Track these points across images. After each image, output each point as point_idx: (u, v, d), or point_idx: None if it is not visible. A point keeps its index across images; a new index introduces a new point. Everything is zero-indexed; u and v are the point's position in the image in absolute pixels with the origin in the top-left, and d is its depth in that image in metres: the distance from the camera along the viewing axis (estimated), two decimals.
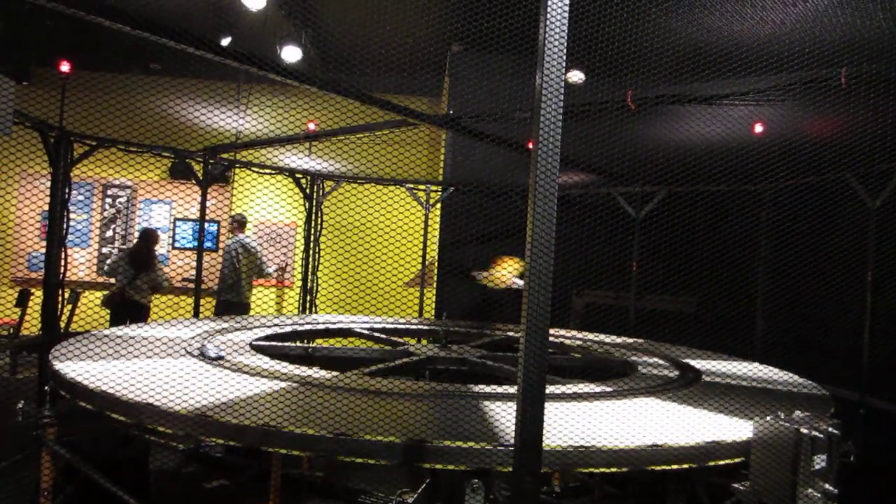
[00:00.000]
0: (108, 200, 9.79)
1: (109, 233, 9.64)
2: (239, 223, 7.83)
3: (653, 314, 6.66)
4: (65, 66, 7.29)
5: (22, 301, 7.91)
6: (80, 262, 9.48)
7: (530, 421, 1.95)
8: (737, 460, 2.46)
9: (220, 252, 7.86)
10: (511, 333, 5.24)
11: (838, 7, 3.75)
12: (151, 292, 7.17)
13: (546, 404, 2.00)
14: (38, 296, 5.46)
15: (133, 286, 6.91)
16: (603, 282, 6.75)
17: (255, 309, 9.03)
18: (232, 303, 7.52)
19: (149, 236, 7.27)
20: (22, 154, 4.88)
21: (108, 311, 7.01)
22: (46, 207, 5.44)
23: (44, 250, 5.50)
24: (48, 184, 5.45)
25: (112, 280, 7.18)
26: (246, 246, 7.63)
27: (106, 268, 7.29)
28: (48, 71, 8.32)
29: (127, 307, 6.90)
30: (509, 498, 1.99)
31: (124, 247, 9.03)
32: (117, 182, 9.73)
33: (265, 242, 9.91)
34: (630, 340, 5.36)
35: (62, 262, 5.43)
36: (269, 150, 8.88)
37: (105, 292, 7.20)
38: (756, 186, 5.98)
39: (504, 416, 2.52)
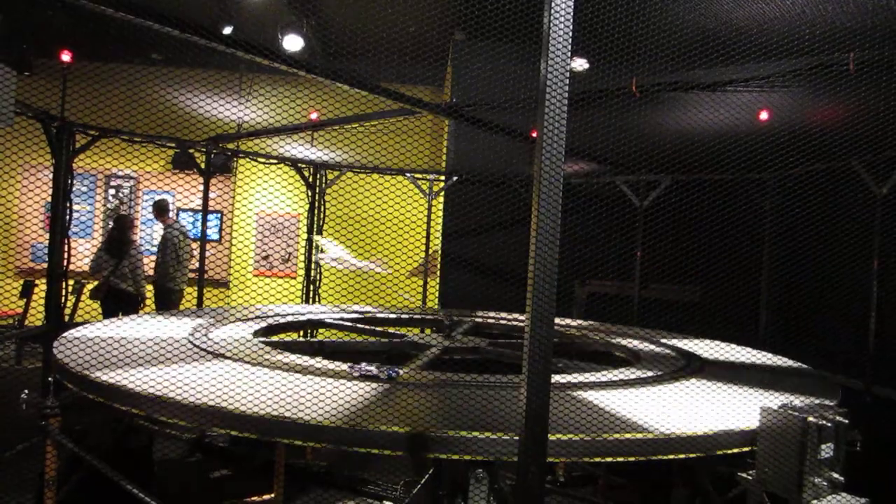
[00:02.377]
0: (111, 191, 9.79)
1: (112, 223, 9.63)
2: (164, 209, 7.59)
3: (657, 303, 6.64)
4: (66, 57, 7.27)
5: (26, 292, 7.93)
6: (84, 252, 9.48)
7: (535, 411, 1.94)
8: (743, 449, 2.45)
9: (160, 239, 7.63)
10: (513, 322, 5.23)
11: None
12: (137, 281, 7.10)
13: (551, 393, 1.98)
14: (42, 287, 5.47)
15: (117, 275, 6.88)
16: (606, 271, 6.73)
17: (257, 299, 9.04)
18: (172, 291, 7.35)
19: (122, 222, 7.23)
20: (24, 145, 4.86)
21: (100, 303, 6.99)
22: (49, 198, 5.44)
23: (47, 241, 5.50)
24: (51, 175, 5.44)
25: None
26: (184, 232, 7.46)
27: (92, 265, 7.12)
28: (50, 62, 8.30)
29: (115, 297, 6.89)
30: (514, 488, 1.98)
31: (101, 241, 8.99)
32: (120, 173, 9.72)
33: (268, 233, 9.91)
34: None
35: (65, 253, 5.43)
36: (272, 140, 8.86)
37: (97, 282, 7.17)
38: (761, 174, 5.94)
39: (509, 405, 2.51)
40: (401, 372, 2.98)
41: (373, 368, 2.98)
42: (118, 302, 6.89)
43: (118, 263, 6.89)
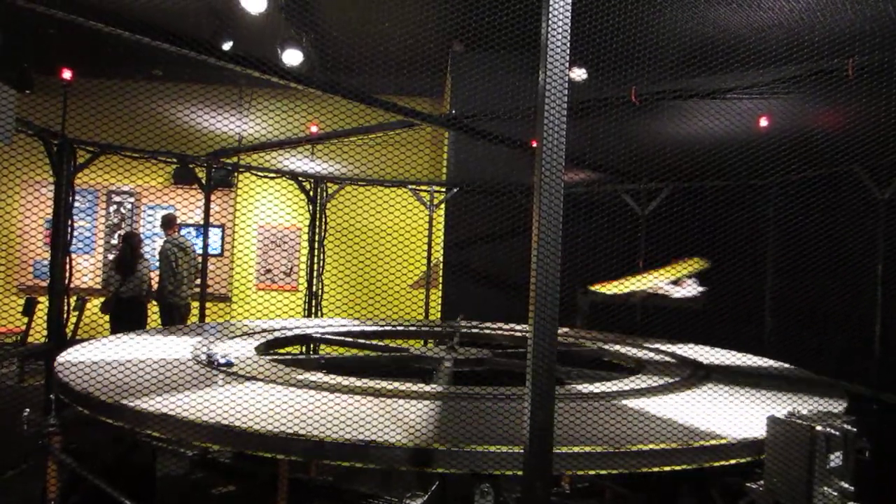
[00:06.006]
0: (113, 207, 9.79)
1: (114, 239, 9.63)
2: (168, 222, 7.58)
3: (660, 311, 6.60)
4: (67, 74, 7.29)
5: (28, 309, 7.92)
6: (86, 269, 9.47)
7: (540, 425, 1.92)
8: (750, 459, 2.42)
9: (157, 254, 7.69)
10: (514, 333, 5.21)
11: None
12: (144, 293, 7.19)
13: (555, 405, 1.96)
14: (45, 303, 5.45)
15: (122, 291, 6.96)
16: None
17: (260, 313, 9.03)
18: (175, 305, 7.34)
19: (131, 240, 7.31)
20: (25, 162, 4.87)
21: (108, 318, 7.09)
22: (51, 215, 5.44)
23: (49, 258, 5.49)
24: (52, 191, 5.44)
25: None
26: (182, 246, 7.44)
27: (102, 281, 7.26)
28: (50, 79, 8.32)
29: (123, 309, 6.96)
30: (520, 502, 1.96)
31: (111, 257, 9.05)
32: (121, 188, 9.73)
33: (270, 246, 9.90)
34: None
35: (67, 270, 5.42)
36: (272, 154, 8.87)
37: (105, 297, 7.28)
38: (763, 181, 5.93)
39: (513, 418, 2.49)
40: (234, 361, 3.40)
41: (217, 355, 3.45)
42: (125, 314, 6.96)
43: (124, 279, 6.96)
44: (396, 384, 3.03)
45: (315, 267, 7.30)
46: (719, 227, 5.41)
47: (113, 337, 4.41)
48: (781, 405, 2.94)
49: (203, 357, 3.52)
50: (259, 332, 4.70)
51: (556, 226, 1.96)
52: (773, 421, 2.34)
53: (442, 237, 8.00)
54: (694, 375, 3.68)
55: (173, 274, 7.30)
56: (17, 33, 7.14)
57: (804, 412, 2.40)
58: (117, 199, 9.78)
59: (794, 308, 5.65)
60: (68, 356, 3.44)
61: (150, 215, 9.76)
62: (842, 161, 4.81)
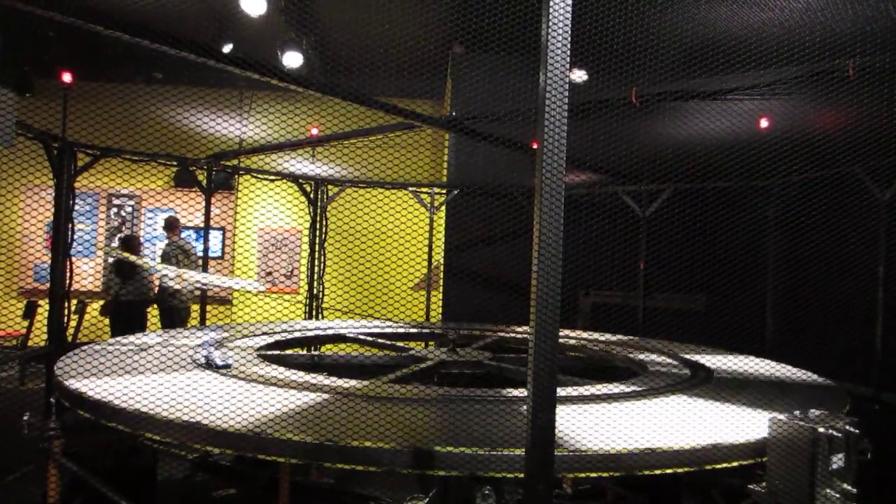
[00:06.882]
0: (113, 210, 9.80)
1: (115, 242, 9.63)
2: (171, 225, 7.55)
3: (661, 313, 6.60)
4: (67, 77, 7.30)
5: (29, 312, 7.92)
6: (86, 272, 9.47)
7: (542, 426, 1.91)
8: (752, 461, 2.41)
9: (159, 258, 7.68)
10: (516, 335, 5.20)
11: None
12: (147, 296, 7.22)
13: (557, 407, 1.96)
14: (45, 307, 5.45)
15: (122, 294, 6.98)
16: (610, 281, 6.70)
17: (261, 315, 9.01)
18: (175, 308, 7.32)
19: (129, 243, 7.32)
20: (26, 166, 4.86)
21: (108, 321, 7.09)
22: (51, 218, 5.44)
23: (49, 261, 5.49)
24: (52, 195, 5.44)
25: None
26: (184, 248, 7.42)
27: (102, 285, 7.26)
28: (50, 82, 8.33)
29: (123, 313, 6.97)
30: None
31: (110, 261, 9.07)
32: (121, 192, 9.74)
33: (271, 249, 9.90)
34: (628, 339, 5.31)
35: (68, 273, 5.41)
36: (273, 156, 8.87)
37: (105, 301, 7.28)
38: (764, 182, 5.92)
39: (515, 420, 2.48)
40: (231, 363, 3.41)
41: (215, 356, 3.49)
42: (125, 316, 6.97)
43: (123, 282, 6.97)
44: (397, 386, 3.03)
45: (316, 269, 7.30)
46: (720, 228, 5.40)
47: (113, 340, 4.40)
48: (783, 406, 2.94)
49: (202, 359, 3.51)
50: (259, 335, 4.70)
51: (558, 227, 1.96)
52: (774, 422, 2.34)
53: (443, 239, 7.99)
54: (696, 377, 3.67)
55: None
56: (16, 36, 7.14)
57: (806, 413, 2.40)
58: (118, 202, 9.79)
59: (795, 309, 5.64)
60: (69, 359, 3.44)
61: (150, 218, 9.77)
62: (843, 162, 4.81)
